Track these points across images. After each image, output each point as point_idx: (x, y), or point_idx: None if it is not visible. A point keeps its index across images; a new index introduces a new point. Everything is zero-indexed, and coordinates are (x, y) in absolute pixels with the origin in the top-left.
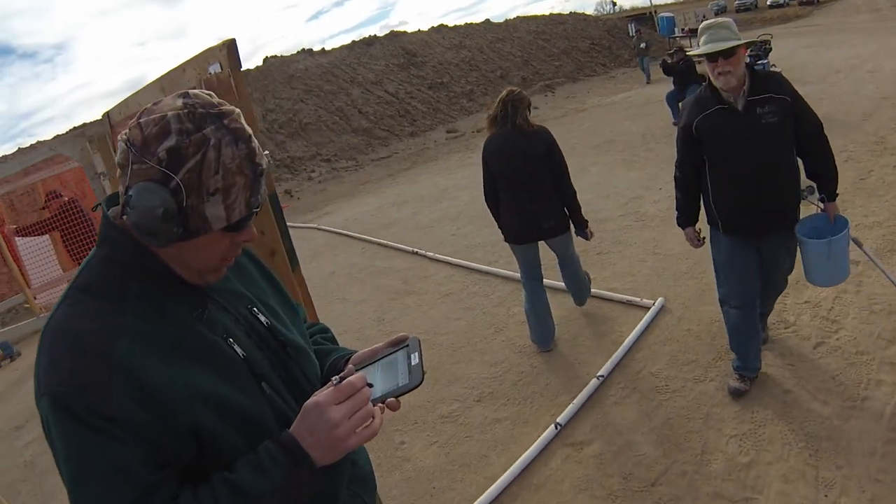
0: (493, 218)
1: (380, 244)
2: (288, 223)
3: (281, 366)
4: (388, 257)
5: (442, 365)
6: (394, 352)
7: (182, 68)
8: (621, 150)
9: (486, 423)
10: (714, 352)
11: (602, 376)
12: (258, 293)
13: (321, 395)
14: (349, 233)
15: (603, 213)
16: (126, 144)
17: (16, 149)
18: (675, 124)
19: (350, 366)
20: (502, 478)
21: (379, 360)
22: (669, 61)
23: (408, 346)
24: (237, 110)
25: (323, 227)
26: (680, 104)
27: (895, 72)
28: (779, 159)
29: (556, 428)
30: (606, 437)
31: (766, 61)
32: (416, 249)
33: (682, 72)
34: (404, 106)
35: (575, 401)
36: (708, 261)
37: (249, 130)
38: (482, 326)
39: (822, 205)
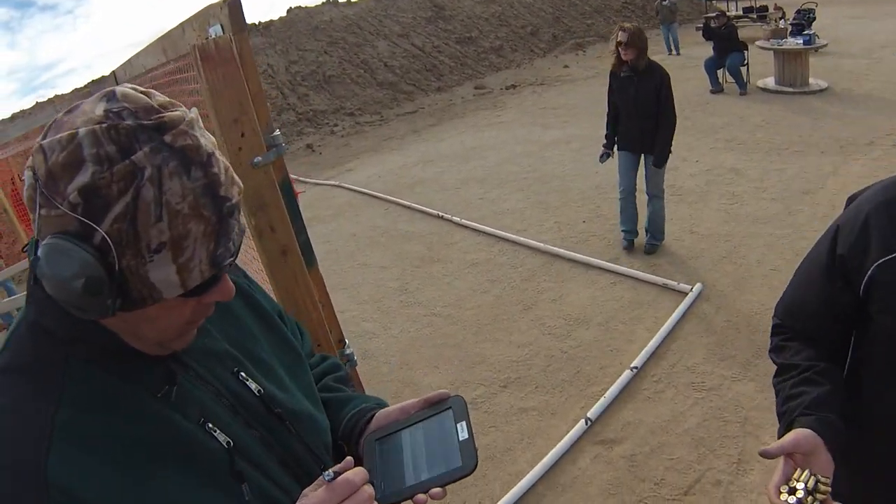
0: (521, 183)
1: (404, 206)
2: (309, 180)
3: (279, 443)
4: (412, 220)
5: (466, 343)
6: (432, 416)
7: (181, 28)
8: None
9: (512, 413)
10: (754, 348)
11: (636, 368)
12: (248, 345)
13: (311, 495)
14: (372, 192)
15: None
16: (32, 176)
17: (34, 103)
18: (712, 92)
19: (349, 458)
20: (528, 476)
21: (412, 425)
22: (712, 25)
23: (450, 408)
24: (189, 115)
25: (345, 184)
26: (718, 72)
27: None
28: None
29: (586, 423)
30: (639, 436)
31: (811, 31)
32: (441, 213)
33: (725, 37)
34: (431, 60)
35: (607, 394)
36: (749, 246)
37: (209, 145)
38: (510, 303)
39: None
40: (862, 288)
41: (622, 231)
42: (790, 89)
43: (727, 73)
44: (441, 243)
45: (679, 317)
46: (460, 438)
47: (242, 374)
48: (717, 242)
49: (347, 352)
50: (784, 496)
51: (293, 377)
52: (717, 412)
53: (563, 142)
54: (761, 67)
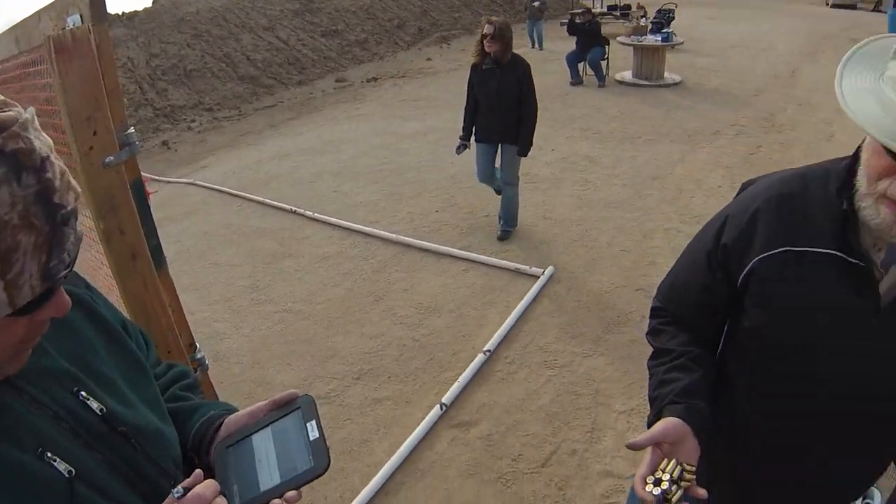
0: (375, 176)
1: (257, 202)
2: (163, 178)
3: (125, 463)
4: (264, 216)
5: (318, 337)
6: (281, 417)
7: (37, 16)
8: None
9: (366, 404)
10: (603, 324)
11: (488, 351)
12: (88, 360)
13: None
14: (226, 189)
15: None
16: None
17: None
18: (572, 84)
19: (198, 470)
20: (386, 466)
21: (262, 429)
22: (577, 21)
23: (299, 409)
24: (23, 116)
25: (199, 182)
26: (579, 65)
27: (787, 52)
28: (882, 435)
29: (441, 408)
30: (494, 416)
31: (669, 30)
32: (294, 208)
33: (588, 33)
34: (294, 53)
35: (460, 378)
36: (600, 230)
37: (44, 148)
38: (361, 294)
39: None
40: (740, 280)
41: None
42: (646, 83)
43: (588, 67)
44: (293, 238)
45: (531, 299)
46: (310, 438)
47: (83, 393)
48: (570, 227)
49: (198, 356)
50: (650, 487)
51: (137, 391)
52: (569, 387)
53: (421, 134)
54: (621, 62)
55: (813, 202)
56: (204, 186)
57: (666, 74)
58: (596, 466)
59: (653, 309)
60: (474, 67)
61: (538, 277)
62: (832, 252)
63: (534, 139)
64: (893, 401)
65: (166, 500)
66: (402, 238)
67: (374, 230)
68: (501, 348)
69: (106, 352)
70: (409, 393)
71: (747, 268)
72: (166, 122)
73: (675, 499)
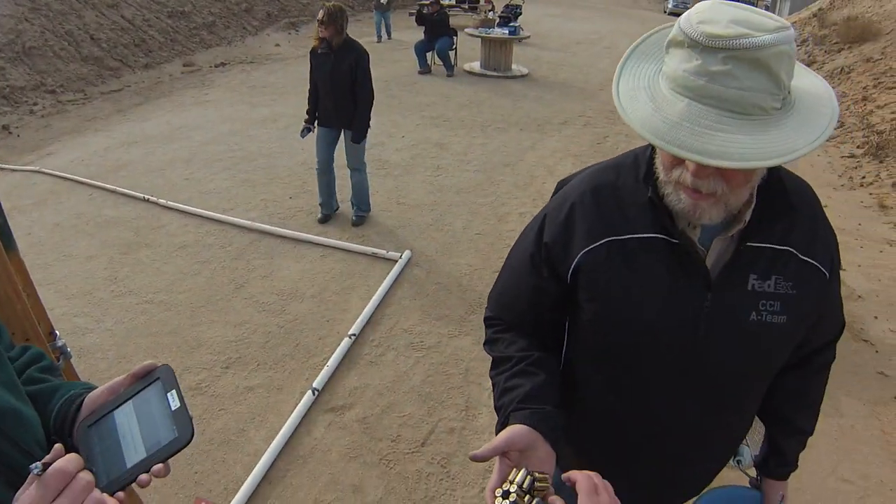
0: (227, 163)
1: (109, 190)
2: (6, 166)
3: None
4: (117, 205)
5: (182, 329)
6: (141, 390)
7: None
8: None
9: (238, 393)
10: (466, 305)
11: (354, 335)
12: None
13: (22, 497)
14: (75, 177)
15: (342, 159)
16: None
17: None
18: (420, 73)
19: (58, 445)
20: (266, 454)
21: (122, 404)
22: (425, 11)
23: (159, 379)
24: None
25: (46, 170)
26: (428, 55)
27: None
28: (742, 395)
29: (313, 394)
30: (367, 399)
31: (516, 24)
32: (147, 196)
33: (436, 24)
34: (140, 34)
35: (329, 363)
36: (455, 214)
37: None
38: (222, 283)
39: (755, 478)
40: (569, 276)
41: (318, 205)
42: (494, 73)
43: (436, 57)
44: (148, 227)
45: (391, 283)
46: (172, 408)
47: None
48: (424, 212)
49: (59, 343)
50: (498, 501)
51: None
52: (439, 367)
53: (270, 120)
54: (469, 52)
55: (626, 190)
56: (51, 174)
57: (514, 66)
58: (476, 442)
59: (486, 319)
60: (312, 51)
61: (396, 261)
62: (653, 236)
63: (382, 126)
64: (738, 371)
65: (28, 480)
66: (257, 225)
67: (230, 218)
68: (367, 332)
69: None
70: (279, 380)
71: (573, 263)
72: (5, 104)
73: None
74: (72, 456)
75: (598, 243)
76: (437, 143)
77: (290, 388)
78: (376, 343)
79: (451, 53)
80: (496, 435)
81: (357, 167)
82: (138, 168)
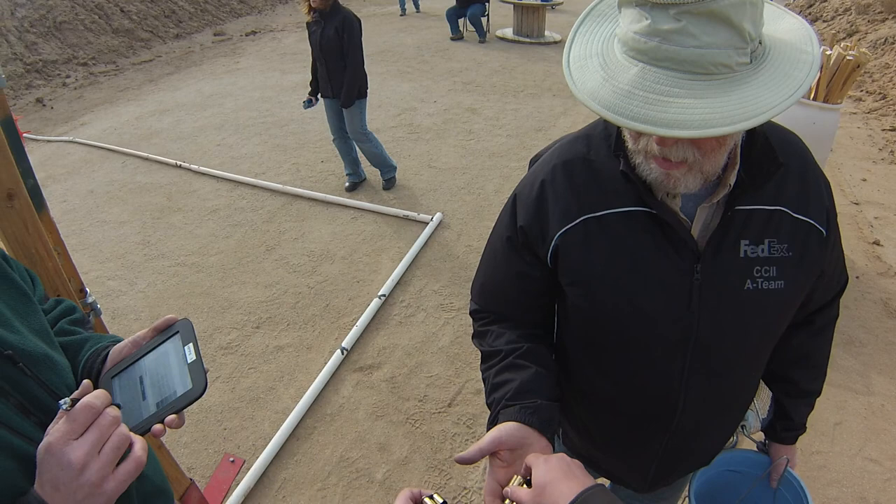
0: (258, 128)
1: (141, 157)
2: (41, 137)
3: (15, 390)
4: (150, 171)
5: (214, 290)
6: (161, 343)
7: None
8: (395, 62)
9: (268, 352)
10: None
11: (383, 295)
12: None
13: (52, 431)
14: (108, 146)
15: (374, 123)
16: None
17: None
18: (452, 39)
19: (86, 381)
20: (294, 411)
21: (143, 356)
22: None
23: (178, 333)
24: None
25: (79, 139)
26: (460, 21)
27: None
28: (744, 364)
29: (342, 353)
30: (396, 359)
31: None
32: (179, 162)
33: None
34: (170, 5)
35: (358, 323)
36: (486, 178)
37: None
38: (253, 245)
39: (761, 443)
40: (549, 259)
41: (345, 174)
42: (527, 39)
43: (468, 23)
44: (180, 192)
45: (421, 245)
46: (189, 361)
47: None
48: (455, 175)
49: (89, 300)
50: None
51: (23, 319)
52: (467, 329)
53: (301, 86)
54: (501, 19)
55: (598, 162)
56: (85, 144)
57: (546, 33)
58: None
59: (471, 312)
60: (307, 23)
61: (427, 224)
62: (632, 209)
63: (413, 92)
64: (738, 342)
65: (57, 416)
66: (289, 188)
67: (261, 182)
68: (396, 293)
69: None
70: (309, 339)
71: (551, 245)
72: (39, 77)
73: None
74: (100, 392)
75: (573, 223)
76: (469, 107)
77: (320, 347)
78: (406, 304)
79: (484, 20)
80: (486, 432)
81: (358, 137)
82: (170, 135)
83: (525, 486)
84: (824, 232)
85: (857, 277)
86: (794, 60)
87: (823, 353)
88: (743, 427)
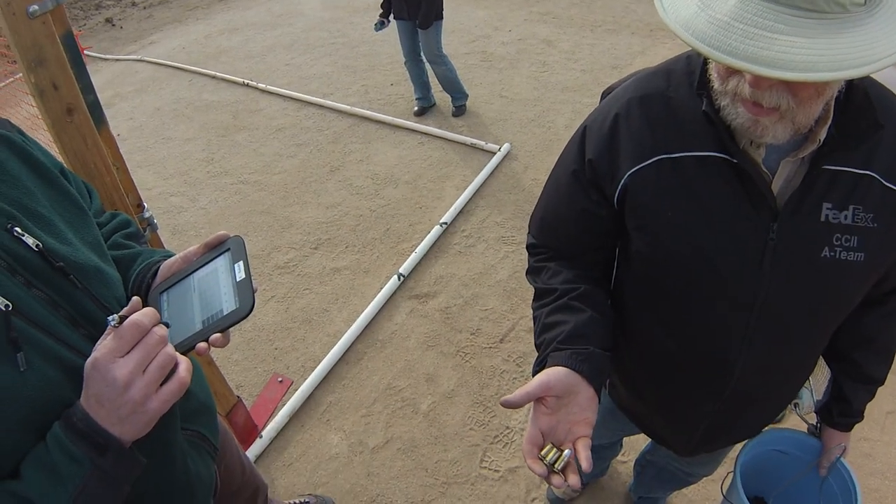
0: (328, 49)
1: (209, 76)
2: (109, 56)
3: (66, 301)
4: (216, 90)
5: (275, 208)
6: (211, 260)
7: None
8: None
9: (325, 274)
10: None
11: (445, 223)
12: (24, 202)
13: (99, 347)
14: (176, 64)
15: (447, 48)
16: None
17: None
18: None
19: (135, 298)
20: (346, 335)
21: (193, 272)
22: None
23: (229, 250)
24: None
25: (148, 58)
26: None
27: None
28: (810, 335)
29: (398, 279)
30: (452, 289)
31: None
32: (246, 81)
33: None
34: None
35: (417, 249)
36: (558, 111)
37: None
38: (317, 166)
39: (813, 425)
40: (616, 199)
41: (415, 98)
42: None
43: None
44: (246, 111)
45: (487, 175)
46: (238, 279)
47: (17, 229)
48: (526, 107)
49: (146, 215)
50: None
51: (76, 231)
52: (526, 265)
53: (373, 8)
54: None
55: (678, 100)
56: (153, 62)
57: None
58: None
59: (528, 246)
60: None
61: (494, 153)
62: (711, 154)
63: (488, 19)
64: (806, 311)
65: (105, 332)
66: (356, 110)
67: (329, 102)
68: (458, 222)
69: (42, 194)
70: (366, 263)
71: (619, 185)
72: None
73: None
74: (148, 310)
75: (647, 162)
76: (545, 39)
77: (377, 272)
78: (467, 234)
79: None
80: (533, 375)
81: (433, 59)
82: (238, 54)
83: (556, 451)
84: None
85: None
86: None
87: (892, 338)
88: (796, 405)
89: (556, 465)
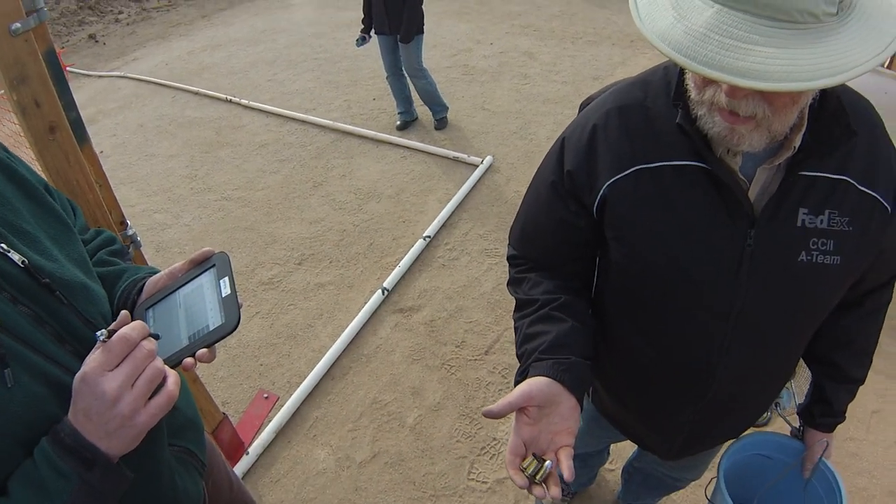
0: (311, 64)
1: (191, 92)
2: (92, 73)
3: (52, 318)
4: (199, 106)
5: (258, 225)
6: (196, 276)
7: None
8: (453, 1)
9: (309, 289)
10: None
11: (428, 237)
12: (9, 218)
13: (88, 361)
14: (158, 80)
15: (429, 62)
16: None
17: None
18: None
19: (123, 311)
20: (331, 350)
21: (178, 289)
22: None
23: (214, 266)
24: None
25: (130, 74)
26: None
27: None
28: (788, 340)
29: (382, 293)
30: (436, 302)
31: None
32: (229, 97)
33: None
34: None
35: (401, 263)
36: (539, 123)
37: None
38: (300, 181)
39: (796, 428)
40: (595, 209)
41: (397, 112)
42: None
43: None
44: (229, 127)
45: (470, 187)
46: (223, 295)
47: (3, 245)
48: (508, 119)
49: (130, 232)
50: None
51: (61, 248)
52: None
53: (355, 23)
54: None
55: (656, 110)
56: (136, 79)
57: None
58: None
59: (509, 258)
60: None
61: (477, 166)
62: (688, 163)
63: (470, 33)
64: (784, 316)
65: (95, 346)
66: (339, 125)
67: (311, 117)
68: (442, 235)
69: (27, 211)
70: (350, 278)
71: (599, 194)
72: (91, 14)
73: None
74: (137, 323)
75: (625, 172)
76: (526, 51)
77: (361, 286)
78: (450, 247)
79: None
80: (514, 386)
81: (413, 73)
82: (221, 70)
83: (537, 463)
84: (889, 209)
85: None
86: (884, 14)
87: (871, 338)
88: (777, 405)
89: (537, 477)
